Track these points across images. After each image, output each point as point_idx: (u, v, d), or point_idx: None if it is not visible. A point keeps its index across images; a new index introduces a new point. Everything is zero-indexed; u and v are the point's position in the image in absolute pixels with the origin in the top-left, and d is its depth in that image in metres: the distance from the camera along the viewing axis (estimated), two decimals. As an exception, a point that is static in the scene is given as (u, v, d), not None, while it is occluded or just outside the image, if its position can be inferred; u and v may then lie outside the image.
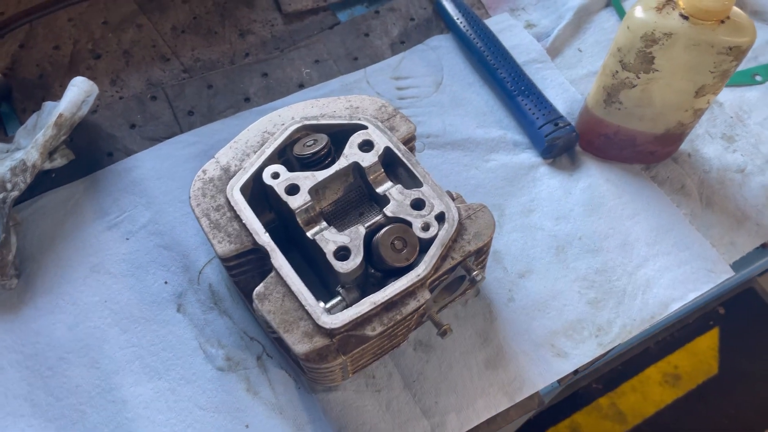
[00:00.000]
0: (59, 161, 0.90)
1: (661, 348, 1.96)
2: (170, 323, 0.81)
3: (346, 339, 0.66)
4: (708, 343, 2.00)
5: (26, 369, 0.78)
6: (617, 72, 0.85)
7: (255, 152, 0.76)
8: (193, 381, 0.78)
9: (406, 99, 1.02)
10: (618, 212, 0.91)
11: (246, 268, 0.75)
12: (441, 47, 1.09)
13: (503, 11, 1.14)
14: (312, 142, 0.76)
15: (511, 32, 1.10)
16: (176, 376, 0.78)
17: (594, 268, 0.87)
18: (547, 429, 1.83)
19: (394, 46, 1.09)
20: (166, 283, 0.84)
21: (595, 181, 0.94)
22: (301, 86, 1.03)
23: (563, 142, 0.94)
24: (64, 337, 0.80)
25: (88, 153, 0.94)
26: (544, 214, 0.91)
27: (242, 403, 0.77)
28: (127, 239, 0.87)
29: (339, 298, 0.68)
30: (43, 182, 0.91)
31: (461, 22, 1.07)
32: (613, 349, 0.82)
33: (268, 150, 0.76)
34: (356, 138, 0.75)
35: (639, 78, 0.83)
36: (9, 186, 0.79)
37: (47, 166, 0.89)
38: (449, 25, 1.10)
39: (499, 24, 1.11)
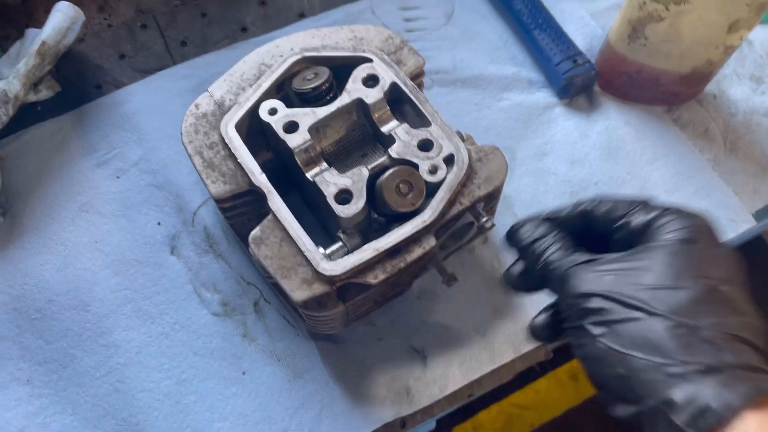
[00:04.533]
0: (44, 93, 0.85)
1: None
2: (164, 266, 0.78)
3: (346, 286, 0.62)
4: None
5: (14, 311, 0.75)
6: (644, 3, 0.78)
7: (251, 86, 0.71)
8: (187, 326, 0.75)
9: (413, 32, 0.96)
10: (637, 157, 0.86)
11: (242, 210, 0.70)
12: (453, -25, 1.01)
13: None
14: (312, 75, 0.70)
15: (529, -40, 1.02)
16: (170, 321, 0.75)
17: (609, 216, 0.82)
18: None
19: (403, -27, 1.01)
20: (159, 224, 0.80)
21: (613, 123, 0.88)
22: (302, 16, 0.97)
23: (582, 81, 0.88)
24: (53, 279, 0.77)
25: (75, 85, 0.89)
26: (558, 158, 0.86)
27: (239, 349, 0.74)
28: (118, 177, 0.83)
29: (340, 243, 0.64)
30: (28, 116, 0.85)
31: (475, -52, 0.99)
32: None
33: (265, 84, 0.70)
34: (360, 72, 0.69)
35: (668, 10, 0.76)
36: (-10, 119, 0.75)
37: (32, 98, 0.84)
38: (462, -48, 1.02)
39: (516, -49, 1.03)
